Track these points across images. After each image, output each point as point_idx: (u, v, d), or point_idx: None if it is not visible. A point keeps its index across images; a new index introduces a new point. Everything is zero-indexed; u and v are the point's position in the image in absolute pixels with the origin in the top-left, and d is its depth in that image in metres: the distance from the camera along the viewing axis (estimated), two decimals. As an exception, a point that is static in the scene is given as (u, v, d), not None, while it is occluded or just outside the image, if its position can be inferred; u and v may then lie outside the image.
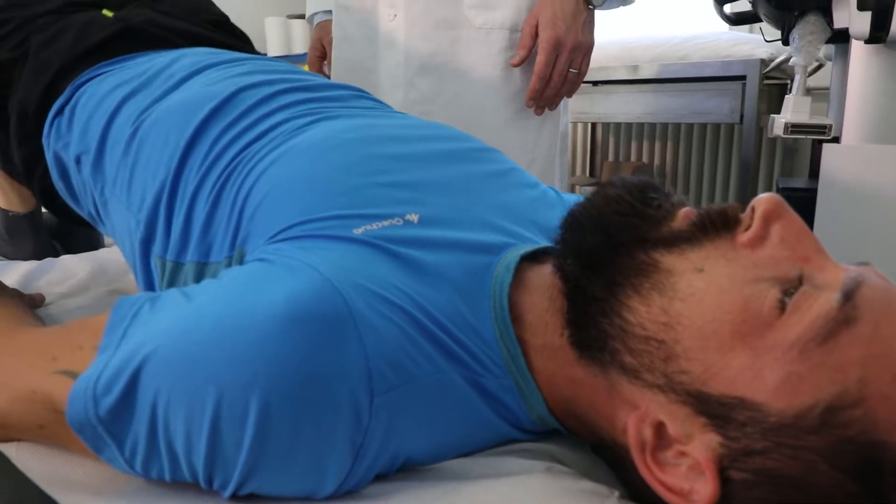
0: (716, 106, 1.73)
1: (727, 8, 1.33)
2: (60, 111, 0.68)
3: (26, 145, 0.72)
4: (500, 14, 1.00)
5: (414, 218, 0.45)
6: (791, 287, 0.36)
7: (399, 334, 0.39)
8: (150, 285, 0.58)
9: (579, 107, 1.97)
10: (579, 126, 2.37)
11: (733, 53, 1.69)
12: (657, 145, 2.28)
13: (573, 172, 2.42)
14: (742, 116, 1.68)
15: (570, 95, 1.05)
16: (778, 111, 1.16)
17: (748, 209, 0.39)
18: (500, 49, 1.01)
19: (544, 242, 0.50)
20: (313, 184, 0.47)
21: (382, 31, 1.04)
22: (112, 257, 1.00)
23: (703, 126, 2.10)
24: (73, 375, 0.39)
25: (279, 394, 0.35)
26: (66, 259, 0.99)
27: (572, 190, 2.19)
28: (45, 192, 0.76)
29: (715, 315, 0.36)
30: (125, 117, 0.64)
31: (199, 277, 0.51)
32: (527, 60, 1.00)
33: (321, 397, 0.36)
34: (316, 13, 1.27)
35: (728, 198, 2.15)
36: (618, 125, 2.25)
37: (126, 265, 0.97)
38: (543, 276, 0.45)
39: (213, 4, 0.98)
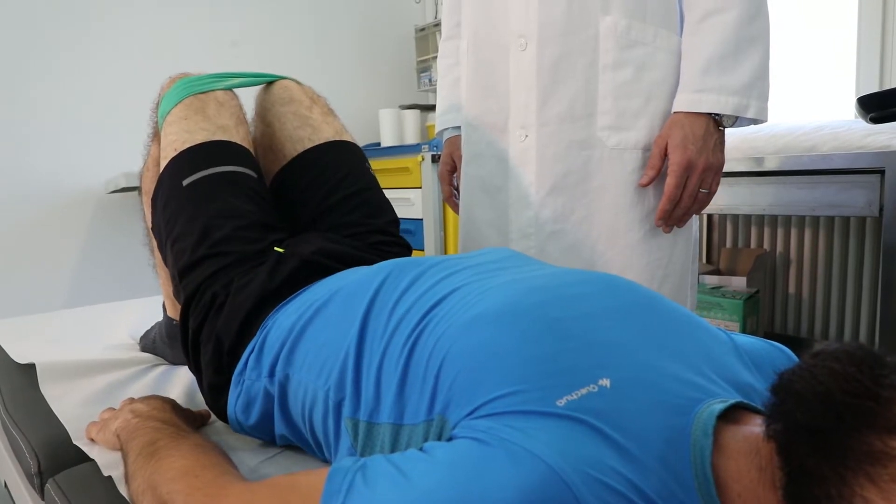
0: (850, 199, 1.63)
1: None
2: (253, 350, 0.73)
3: (218, 375, 0.76)
4: (634, 135, 0.99)
5: (606, 383, 0.46)
6: None
7: None
8: (343, 449, 0.59)
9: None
10: (693, 211, 2.31)
11: (867, 144, 1.60)
12: (779, 232, 2.17)
13: (687, 258, 2.34)
14: (882, 209, 1.58)
15: (699, 213, 1.03)
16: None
17: None
18: (633, 169, 1.00)
19: (730, 393, 0.49)
20: (508, 356, 0.49)
21: (514, 151, 1.05)
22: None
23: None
24: None
25: None
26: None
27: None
28: (219, 413, 0.80)
29: None
30: (311, 335, 0.67)
31: (394, 437, 0.53)
32: (657, 180, 0.99)
33: None
34: (445, 129, 1.30)
35: (867, 286, 2.00)
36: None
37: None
38: (744, 440, 0.44)
39: (390, 204, 1.02)
